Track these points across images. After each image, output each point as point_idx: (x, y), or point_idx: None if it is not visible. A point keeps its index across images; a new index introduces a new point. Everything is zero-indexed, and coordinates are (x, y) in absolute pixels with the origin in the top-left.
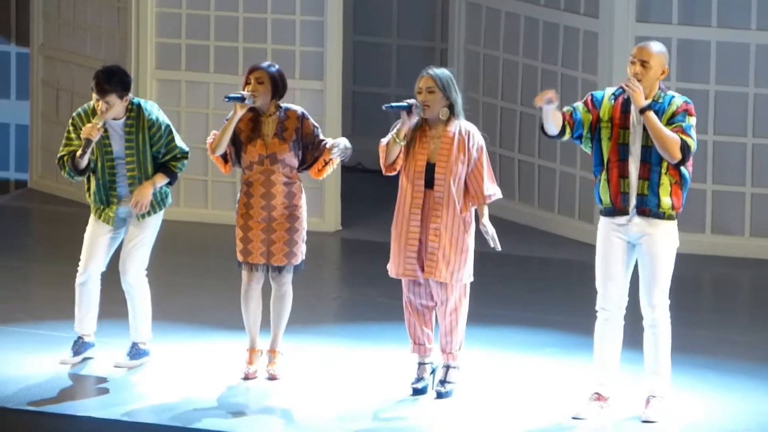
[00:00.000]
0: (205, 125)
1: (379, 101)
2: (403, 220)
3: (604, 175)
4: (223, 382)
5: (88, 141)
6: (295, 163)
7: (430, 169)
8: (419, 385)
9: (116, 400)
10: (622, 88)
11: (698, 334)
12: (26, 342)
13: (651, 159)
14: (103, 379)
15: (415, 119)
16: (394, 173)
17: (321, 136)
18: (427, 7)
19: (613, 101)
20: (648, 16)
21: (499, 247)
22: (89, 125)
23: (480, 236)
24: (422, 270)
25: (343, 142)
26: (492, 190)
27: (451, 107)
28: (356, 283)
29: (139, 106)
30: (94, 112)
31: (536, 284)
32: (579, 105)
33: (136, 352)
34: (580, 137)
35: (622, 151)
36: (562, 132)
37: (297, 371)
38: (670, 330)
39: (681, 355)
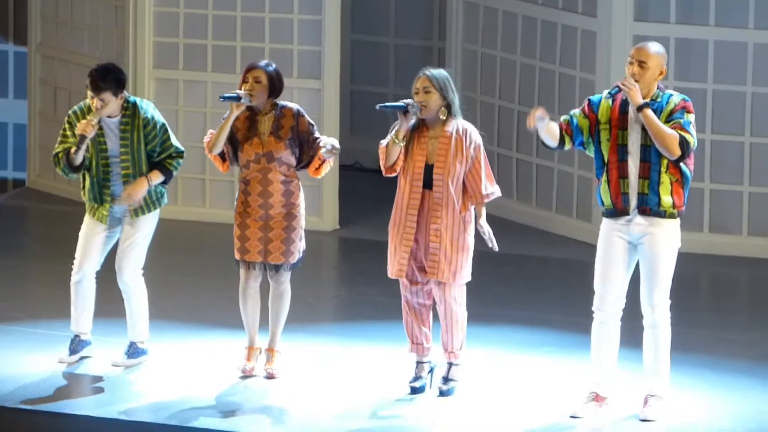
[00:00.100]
0: (202, 124)
1: (377, 100)
2: (399, 221)
3: (604, 177)
4: (220, 381)
5: (83, 137)
6: (293, 161)
7: (428, 170)
8: (417, 384)
9: (113, 399)
10: (618, 87)
11: (696, 333)
12: (23, 341)
13: (650, 158)
14: (101, 378)
15: (412, 120)
16: (394, 174)
17: (316, 134)
18: (424, 6)
19: (611, 102)
20: (646, 15)
21: (496, 248)
22: (84, 122)
23: (479, 236)
24: (423, 271)
25: (330, 142)
26: (490, 189)
27: (448, 107)
28: (354, 282)
29: (134, 104)
30: (90, 109)
31: (534, 283)
32: (576, 112)
33: (133, 351)
34: (582, 144)
35: (621, 152)
36: (562, 142)
37: (295, 370)
38: (670, 330)
39: (679, 354)
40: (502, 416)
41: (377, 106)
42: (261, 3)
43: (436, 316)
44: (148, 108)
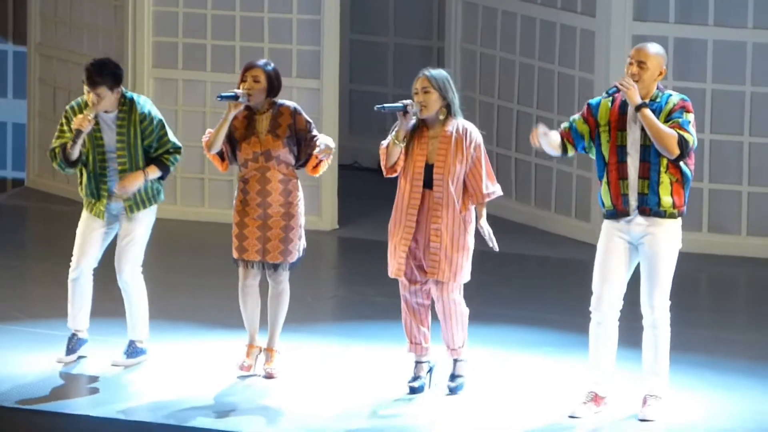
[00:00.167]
0: (202, 124)
1: (376, 100)
2: (399, 220)
3: (605, 178)
4: (220, 381)
5: (79, 132)
6: (291, 159)
7: (428, 169)
8: (416, 384)
9: (112, 399)
10: (616, 87)
11: (696, 333)
12: (23, 340)
13: (650, 158)
14: (100, 378)
15: (411, 120)
16: (395, 175)
17: (314, 132)
18: (423, 5)
19: (611, 103)
20: (645, 14)
21: (497, 248)
22: (80, 116)
23: (479, 235)
24: (422, 270)
25: (325, 141)
26: (491, 188)
27: (448, 107)
28: (353, 281)
29: (131, 99)
30: (87, 105)
31: (533, 283)
32: (576, 117)
33: (133, 350)
34: (584, 149)
35: (620, 153)
36: (565, 150)
37: (294, 370)
38: (670, 330)
39: (679, 354)
40: (501, 416)
41: (376, 108)
42: (260, 3)
43: (435, 316)
44: (146, 103)
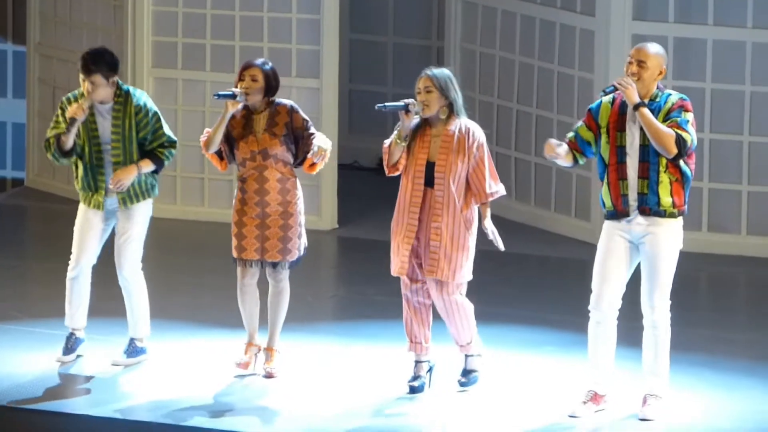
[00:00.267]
0: (201, 123)
1: (376, 99)
2: (401, 219)
3: (605, 179)
4: (219, 380)
5: (73, 120)
6: (289, 158)
7: (430, 167)
8: (416, 384)
9: (111, 398)
10: (614, 86)
11: (696, 332)
12: (22, 340)
13: (649, 158)
14: (99, 377)
15: (413, 119)
16: (396, 173)
17: (312, 130)
18: (423, 5)
19: (611, 104)
20: (645, 14)
21: (502, 247)
22: (75, 105)
23: (482, 235)
24: (421, 269)
25: (318, 143)
26: (494, 187)
27: (450, 107)
28: (353, 281)
29: (127, 92)
30: (83, 96)
31: (534, 282)
32: (580, 125)
33: (133, 349)
34: (594, 154)
35: (619, 154)
36: (575, 160)
37: (294, 369)
38: (670, 330)
39: (679, 353)
40: (501, 415)
41: (377, 106)
42: (259, 2)
43: (436, 316)
44: (141, 96)
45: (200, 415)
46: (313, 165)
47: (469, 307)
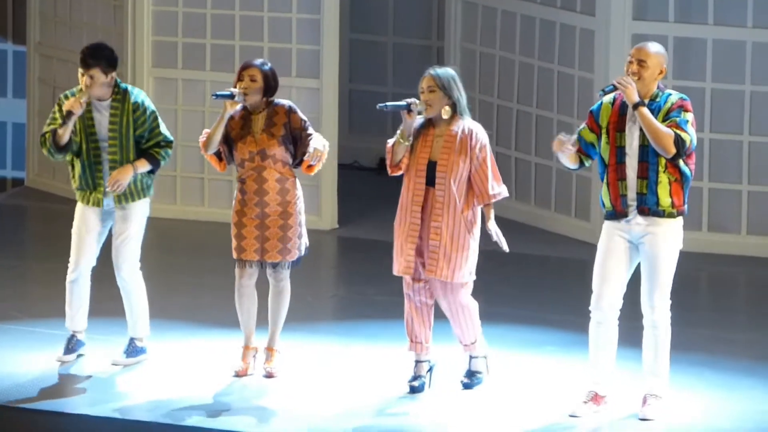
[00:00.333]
0: (201, 123)
1: (376, 99)
2: (404, 218)
3: (605, 179)
4: (218, 380)
5: (70, 113)
6: (288, 158)
7: (431, 167)
8: (416, 383)
9: (111, 398)
10: (613, 85)
11: (696, 332)
12: (22, 340)
13: (648, 158)
14: (98, 377)
15: (416, 118)
16: (399, 173)
17: (310, 131)
18: (423, 5)
19: (611, 105)
20: (645, 14)
21: (506, 248)
22: (73, 99)
23: (485, 235)
24: (423, 268)
25: (314, 145)
26: (497, 189)
27: (453, 107)
28: (353, 281)
29: (125, 89)
30: (81, 92)
31: (534, 282)
32: (583, 128)
33: (132, 349)
34: (598, 155)
35: (619, 154)
36: (581, 163)
37: (294, 369)
38: (670, 330)
39: (679, 353)
40: (502, 415)
41: (378, 106)
42: (259, 2)
43: (443, 315)
44: (139, 94)
45: (199, 414)
46: (310, 167)
47: (474, 307)
